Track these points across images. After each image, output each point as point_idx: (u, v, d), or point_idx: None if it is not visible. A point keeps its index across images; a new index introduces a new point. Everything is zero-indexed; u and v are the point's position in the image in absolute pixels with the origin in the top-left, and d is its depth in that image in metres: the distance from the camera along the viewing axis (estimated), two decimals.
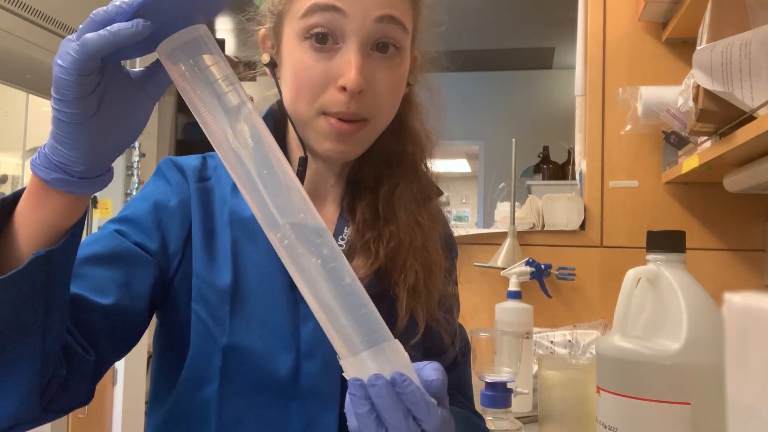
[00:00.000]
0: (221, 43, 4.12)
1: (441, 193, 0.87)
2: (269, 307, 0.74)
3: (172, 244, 0.75)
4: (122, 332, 0.70)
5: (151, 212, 0.75)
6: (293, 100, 0.74)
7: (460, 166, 8.05)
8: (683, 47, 1.69)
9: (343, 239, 0.80)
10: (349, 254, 0.78)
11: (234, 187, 0.80)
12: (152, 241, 0.74)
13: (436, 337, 0.82)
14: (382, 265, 0.77)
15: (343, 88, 0.70)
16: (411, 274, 0.77)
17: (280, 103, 0.83)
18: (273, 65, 0.80)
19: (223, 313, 0.73)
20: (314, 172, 0.82)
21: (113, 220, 0.75)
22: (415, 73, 0.82)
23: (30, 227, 0.56)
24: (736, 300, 0.25)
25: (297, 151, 0.81)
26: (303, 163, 0.79)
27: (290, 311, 0.74)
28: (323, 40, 0.71)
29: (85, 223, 0.60)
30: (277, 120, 0.83)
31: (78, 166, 0.54)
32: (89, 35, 0.50)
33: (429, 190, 0.85)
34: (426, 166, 0.85)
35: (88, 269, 0.68)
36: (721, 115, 1.11)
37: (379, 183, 0.82)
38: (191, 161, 0.82)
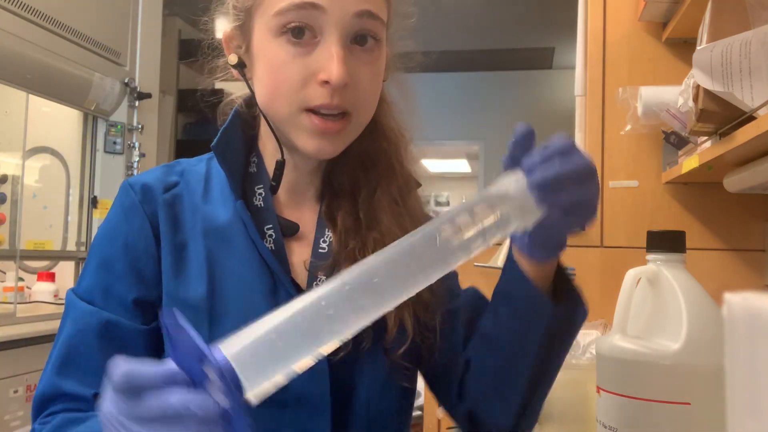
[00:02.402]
0: (220, 43, 4.02)
1: (419, 185, 0.85)
2: (251, 317, 0.72)
3: (149, 274, 0.74)
4: None
5: (123, 256, 0.74)
6: (270, 98, 0.72)
7: (460, 166, 8.02)
8: (683, 47, 1.69)
9: (324, 242, 0.78)
10: (334, 264, 0.76)
11: (205, 193, 0.78)
12: (133, 289, 0.73)
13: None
14: None
15: (326, 82, 0.68)
16: None
17: (249, 104, 0.81)
18: (242, 65, 0.77)
19: (202, 332, 0.72)
20: (290, 172, 0.79)
21: (91, 291, 0.73)
22: (387, 70, 0.80)
23: None
24: (736, 300, 0.25)
25: (272, 153, 0.78)
26: (280, 167, 0.77)
27: None
28: (300, 34, 0.69)
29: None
30: (244, 121, 0.81)
31: None
32: None
33: (407, 187, 0.82)
34: (402, 163, 0.83)
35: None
36: (721, 115, 1.11)
37: (356, 187, 0.79)
38: (152, 173, 0.79)
